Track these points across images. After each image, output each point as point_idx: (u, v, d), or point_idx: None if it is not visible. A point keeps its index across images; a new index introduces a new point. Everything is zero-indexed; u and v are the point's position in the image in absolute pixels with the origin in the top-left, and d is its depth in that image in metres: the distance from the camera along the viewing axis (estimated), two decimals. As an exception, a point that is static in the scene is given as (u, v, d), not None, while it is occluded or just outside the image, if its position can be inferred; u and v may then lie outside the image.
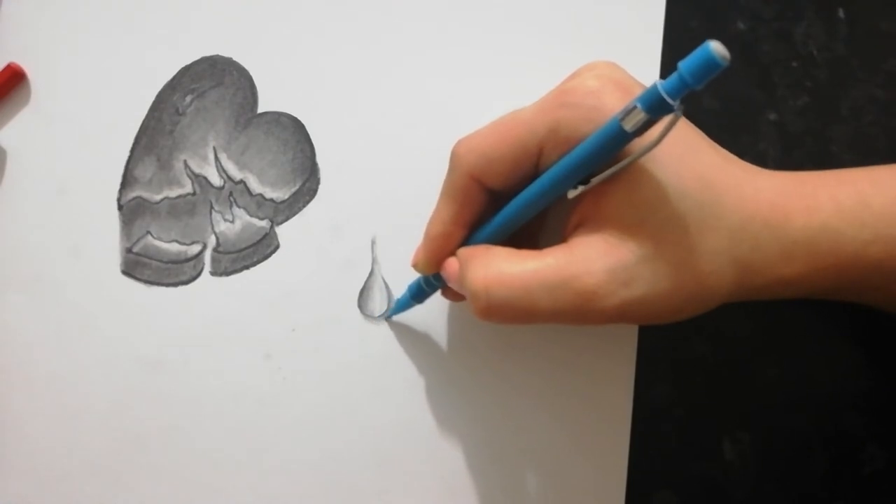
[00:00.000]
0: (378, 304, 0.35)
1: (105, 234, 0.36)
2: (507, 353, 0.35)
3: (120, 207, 0.36)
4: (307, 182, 0.36)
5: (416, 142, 0.36)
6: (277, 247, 0.36)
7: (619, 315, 0.25)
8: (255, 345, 0.35)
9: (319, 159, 0.36)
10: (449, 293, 0.33)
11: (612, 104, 0.25)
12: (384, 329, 0.35)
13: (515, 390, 0.34)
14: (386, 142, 0.36)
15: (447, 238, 0.29)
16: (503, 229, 0.28)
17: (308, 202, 0.36)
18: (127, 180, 0.36)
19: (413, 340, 0.35)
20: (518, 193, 0.27)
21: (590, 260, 0.25)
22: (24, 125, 0.36)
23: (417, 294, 0.33)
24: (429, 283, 0.32)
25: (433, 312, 0.35)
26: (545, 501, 0.34)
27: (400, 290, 0.35)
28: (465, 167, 0.28)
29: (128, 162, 0.36)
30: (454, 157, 0.29)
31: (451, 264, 0.29)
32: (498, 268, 0.26)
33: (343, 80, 0.36)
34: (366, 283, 0.35)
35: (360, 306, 0.35)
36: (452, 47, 0.36)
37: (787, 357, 0.37)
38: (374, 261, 0.36)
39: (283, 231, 0.36)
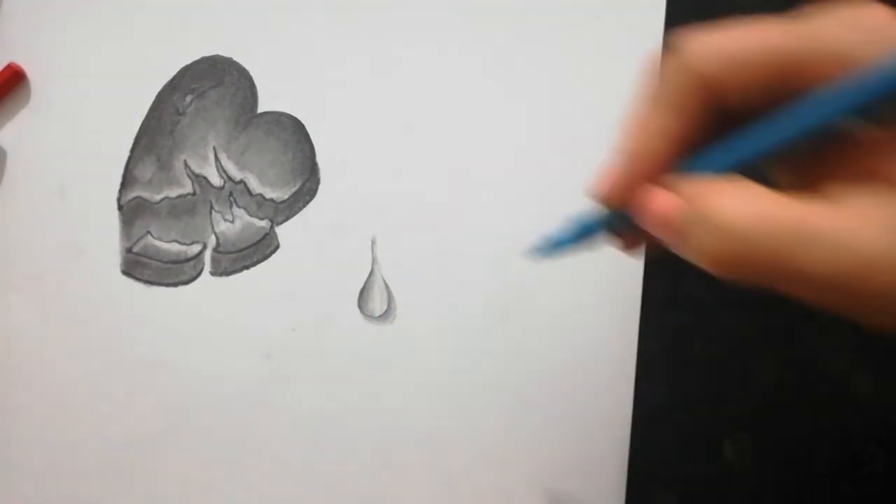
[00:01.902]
0: (378, 304, 0.35)
1: (105, 234, 0.36)
2: (506, 353, 0.35)
3: (120, 207, 0.36)
4: (307, 182, 0.36)
5: (417, 142, 0.36)
6: (277, 247, 0.36)
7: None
8: (255, 345, 0.35)
9: (319, 159, 0.36)
10: (630, 238, 0.24)
11: None
12: (384, 329, 0.35)
13: (515, 390, 0.34)
14: (386, 142, 0.36)
15: (655, 158, 0.22)
16: (751, 161, 0.21)
17: (308, 202, 0.36)
18: (127, 180, 0.36)
19: (413, 341, 0.35)
20: (761, 117, 0.21)
21: (871, 219, 0.19)
22: (24, 125, 0.36)
23: (587, 233, 0.24)
24: (610, 220, 0.23)
25: (434, 313, 0.35)
26: (545, 502, 0.34)
27: (400, 290, 0.35)
28: (701, 68, 0.21)
29: (128, 162, 0.36)
30: (684, 54, 0.22)
31: (660, 196, 0.21)
32: (762, 204, 0.19)
33: (343, 80, 0.36)
34: (366, 283, 0.35)
35: (360, 306, 0.35)
36: (452, 47, 0.36)
37: (787, 357, 0.37)
38: (374, 261, 0.36)
39: (283, 231, 0.36)
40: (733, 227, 0.20)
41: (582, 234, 0.24)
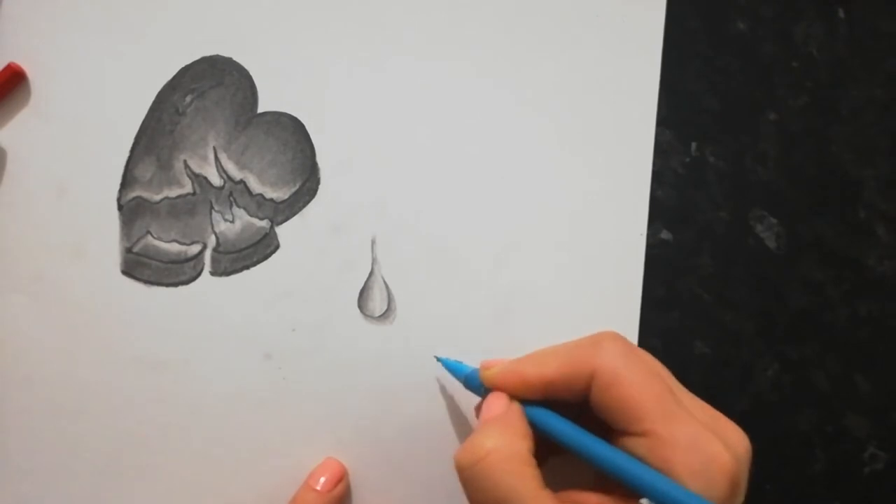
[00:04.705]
0: (378, 304, 0.35)
1: (105, 234, 0.36)
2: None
3: (120, 207, 0.36)
4: (307, 182, 0.36)
5: (416, 142, 0.36)
6: (277, 247, 0.36)
7: None
8: (255, 345, 0.35)
9: (319, 159, 0.36)
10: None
11: None
12: (384, 329, 0.35)
13: (515, 390, 0.34)
14: (386, 142, 0.36)
15: (513, 391, 0.29)
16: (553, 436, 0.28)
17: (308, 202, 0.36)
18: (127, 180, 0.36)
19: (413, 340, 0.35)
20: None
21: None
22: (24, 125, 0.36)
23: (470, 384, 0.33)
24: (475, 386, 0.32)
25: (434, 313, 0.35)
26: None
27: (400, 290, 0.35)
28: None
29: (128, 162, 0.36)
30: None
31: (493, 404, 0.29)
32: (486, 455, 0.26)
33: (343, 80, 0.36)
34: (366, 283, 0.35)
35: (360, 306, 0.35)
36: (452, 47, 0.36)
37: (787, 356, 0.37)
38: (374, 261, 0.35)
39: (283, 231, 0.36)
40: (457, 459, 0.27)
41: (469, 385, 0.32)
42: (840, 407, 0.37)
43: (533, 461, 0.26)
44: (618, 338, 0.28)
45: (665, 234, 0.37)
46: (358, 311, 0.35)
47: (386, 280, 0.35)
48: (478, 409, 0.32)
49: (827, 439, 0.37)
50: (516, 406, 0.29)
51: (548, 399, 0.29)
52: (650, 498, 0.25)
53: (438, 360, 0.34)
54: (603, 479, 0.27)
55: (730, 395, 0.36)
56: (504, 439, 0.27)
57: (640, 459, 0.25)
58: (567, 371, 0.28)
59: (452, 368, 0.34)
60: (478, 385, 0.31)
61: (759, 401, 0.37)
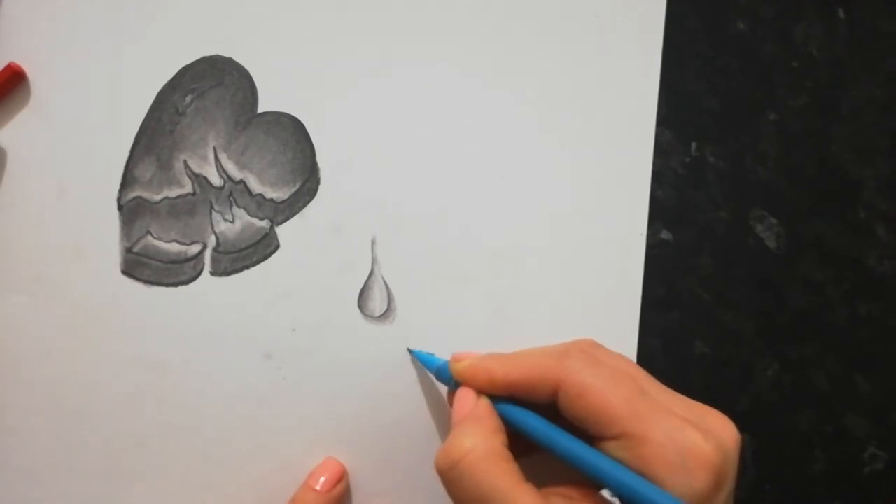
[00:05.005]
0: (378, 304, 0.35)
1: (105, 234, 0.36)
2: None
3: (120, 207, 0.36)
4: (307, 182, 0.36)
5: (416, 142, 0.36)
6: (277, 247, 0.36)
7: None
8: (255, 345, 0.35)
9: (319, 159, 0.36)
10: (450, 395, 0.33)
11: None
12: (384, 329, 0.35)
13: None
14: (386, 142, 0.36)
15: (484, 387, 0.30)
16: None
17: (308, 202, 0.36)
18: (127, 180, 0.36)
19: (413, 341, 0.35)
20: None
21: None
22: (24, 125, 0.36)
23: (441, 376, 0.33)
24: (446, 378, 0.32)
25: (434, 313, 0.35)
26: (545, 501, 0.34)
27: (400, 290, 0.35)
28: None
29: (128, 162, 0.36)
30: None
31: (463, 401, 0.29)
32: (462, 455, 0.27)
33: (343, 80, 0.36)
34: (366, 283, 0.35)
35: (360, 306, 0.35)
36: (452, 47, 0.36)
37: (787, 356, 0.37)
38: (374, 261, 0.35)
39: (283, 231, 0.36)
40: (438, 460, 0.27)
41: (441, 377, 0.33)
42: (840, 407, 0.37)
43: (509, 455, 0.27)
44: (587, 349, 0.28)
45: (665, 234, 0.37)
46: (358, 311, 0.35)
47: (386, 280, 0.35)
48: (449, 400, 0.32)
49: (827, 439, 0.37)
50: (484, 401, 0.29)
51: (516, 398, 0.29)
52: (609, 488, 0.25)
53: (411, 352, 0.35)
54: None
55: (730, 395, 0.36)
56: (478, 438, 0.27)
57: (619, 462, 0.25)
58: (532, 377, 0.28)
59: (424, 360, 0.34)
60: (448, 377, 0.31)
61: (759, 401, 0.37)
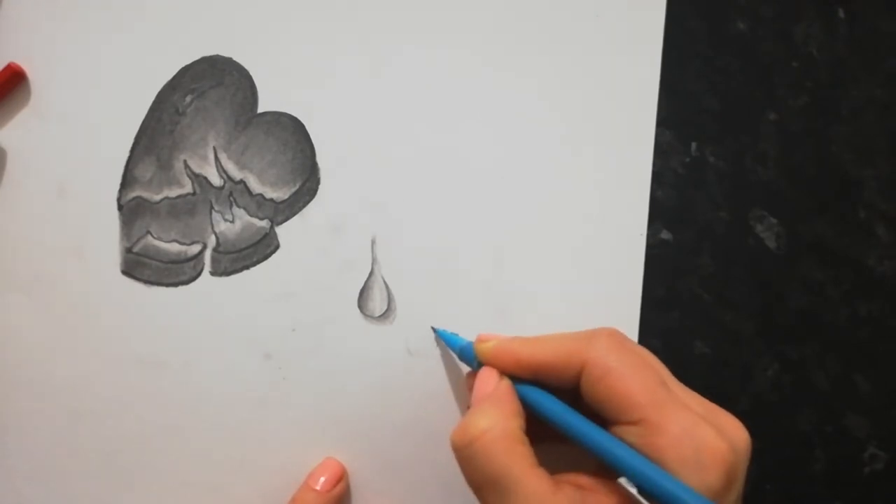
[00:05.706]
0: (378, 304, 0.35)
1: (105, 234, 0.36)
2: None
3: (120, 207, 0.36)
4: (307, 182, 0.36)
5: (416, 142, 0.36)
6: (277, 247, 0.36)
7: None
8: (255, 345, 0.35)
9: (319, 159, 0.36)
10: (470, 376, 0.33)
11: None
12: (384, 329, 0.35)
13: (515, 390, 0.34)
14: (386, 142, 0.36)
15: (508, 369, 0.30)
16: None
17: (308, 202, 0.36)
18: (127, 180, 0.36)
19: (413, 341, 0.35)
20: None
21: None
22: (24, 125, 0.36)
23: (464, 356, 0.33)
24: (469, 358, 0.32)
25: (434, 312, 0.35)
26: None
27: (400, 290, 0.35)
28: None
29: (128, 162, 0.36)
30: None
31: (485, 381, 0.30)
32: (479, 433, 0.27)
33: (343, 80, 0.36)
34: (366, 283, 0.35)
35: (360, 306, 0.35)
36: (452, 47, 0.36)
37: (787, 356, 0.37)
38: (374, 261, 0.35)
39: (283, 231, 0.36)
40: (454, 437, 0.27)
41: (463, 356, 0.33)
42: (840, 407, 0.37)
43: (525, 439, 0.27)
44: (614, 334, 0.28)
45: (665, 234, 0.37)
46: (358, 311, 0.35)
47: (386, 280, 0.35)
48: (469, 381, 0.32)
49: (827, 439, 0.37)
50: (506, 382, 0.29)
51: (539, 381, 0.29)
52: (626, 476, 0.25)
53: (435, 331, 0.35)
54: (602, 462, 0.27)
55: (730, 395, 0.36)
56: (497, 418, 0.27)
57: (633, 448, 0.25)
58: (559, 358, 0.28)
59: (448, 340, 0.34)
60: (472, 358, 0.31)
61: (759, 401, 0.37)
